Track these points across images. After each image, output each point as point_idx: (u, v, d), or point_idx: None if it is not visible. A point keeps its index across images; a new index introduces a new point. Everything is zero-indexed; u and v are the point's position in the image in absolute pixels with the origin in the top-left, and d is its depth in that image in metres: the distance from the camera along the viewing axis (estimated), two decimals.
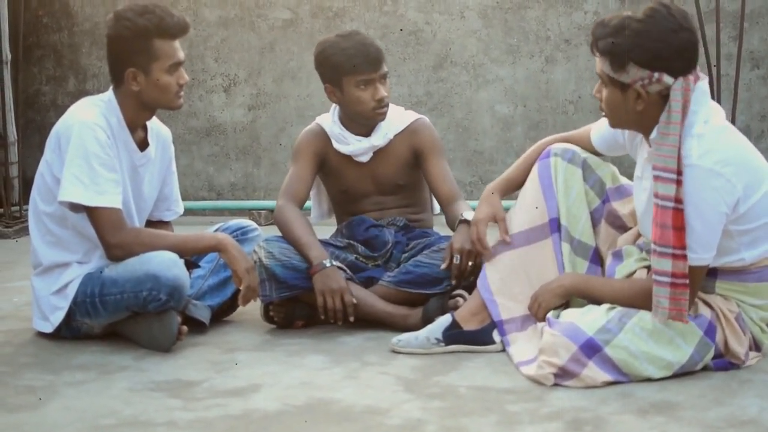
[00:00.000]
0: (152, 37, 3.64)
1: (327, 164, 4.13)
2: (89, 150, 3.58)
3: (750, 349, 3.25)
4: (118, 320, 3.68)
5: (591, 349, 3.08)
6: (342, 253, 3.97)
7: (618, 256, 3.44)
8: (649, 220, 3.14)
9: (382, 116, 4.04)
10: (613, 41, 3.05)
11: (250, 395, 3.10)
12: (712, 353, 3.15)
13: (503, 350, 3.46)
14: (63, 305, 3.68)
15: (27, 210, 5.03)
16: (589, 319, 3.15)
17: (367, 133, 4.07)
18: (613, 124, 3.25)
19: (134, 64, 3.66)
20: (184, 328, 3.67)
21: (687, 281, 3.01)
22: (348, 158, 4.10)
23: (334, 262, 3.82)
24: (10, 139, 6.91)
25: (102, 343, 3.70)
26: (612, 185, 3.57)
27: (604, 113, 3.23)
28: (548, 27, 7.13)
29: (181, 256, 3.62)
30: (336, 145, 4.08)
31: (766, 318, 3.23)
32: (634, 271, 3.33)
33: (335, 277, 3.77)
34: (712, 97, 5.92)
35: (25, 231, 6.45)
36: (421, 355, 3.49)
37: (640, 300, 3.16)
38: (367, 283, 3.92)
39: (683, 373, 3.16)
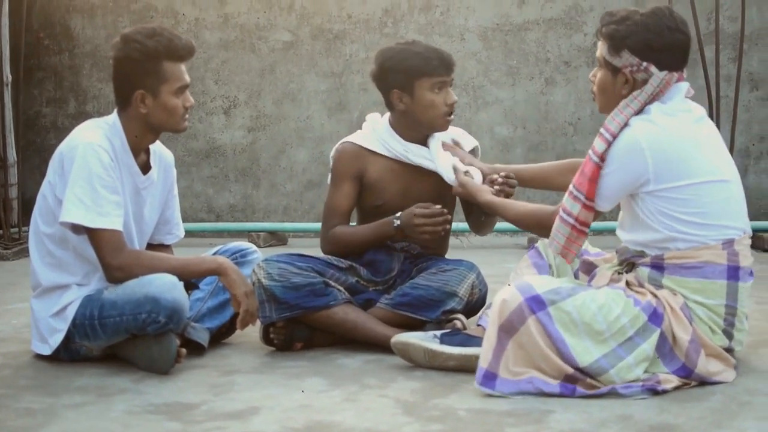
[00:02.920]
0: (162, 60, 3.65)
1: (365, 180, 4.09)
2: (92, 171, 3.58)
3: (722, 358, 3.33)
4: (117, 342, 3.67)
5: (536, 303, 3.22)
6: (342, 274, 3.96)
7: (593, 277, 3.62)
8: (628, 230, 3.45)
9: (448, 124, 4.06)
10: (615, 27, 3.37)
11: (249, 418, 3.09)
12: (655, 338, 3.24)
13: None
14: (62, 327, 3.67)
15: (26, 232, 5.04)
16: (544, 282, 3.33)
17: (419, 143, 4.08)
18: (601, 107, 3.50)
19: (143, 86, 3.67)
20: (183, 350, 3.66)
21: (586, 230, 3.39)
22: (388, 173, 4.06)
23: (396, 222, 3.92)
24: (9, 160, 6.93)
25: (101, 366, 3.69)
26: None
27: (594, 97, 3.51)
28: (548, 49, 7.15)
29: (180, 279, 3.62)
30: (399, 151, 4.06)
31: (714, 319, 3.32)
32: (609, 277, 3.46)
33: (408, 214, 3.88)
34: (711, 119, 6.00)
35: (24, 253, 6.46)
36: (416, 344, 3.54)
37: (538, 224, 3.62)
38: (366, 305, 3.92)
39: (683, 396, 3.17)
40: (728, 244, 3.31)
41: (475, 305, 3.95)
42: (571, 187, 3.39)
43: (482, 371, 3.24)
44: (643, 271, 3.40)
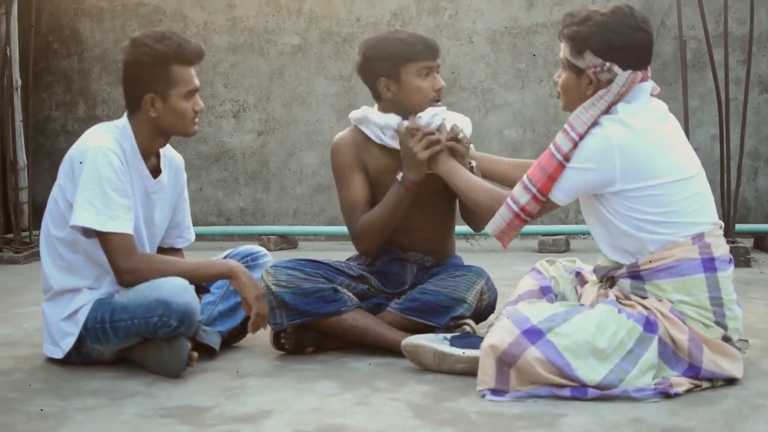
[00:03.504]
0: (171, 63, 3.66)
1: (367, 173, 4.01)
2: (103, 175, 3.59)
3: (726, 355, 3.31)
4: (128, 346, 3.68)
5: (533, 334, 3.20)
6: (352, 282, 3.94)
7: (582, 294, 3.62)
8: (600, 237, 3.45)
9: None
10: (576, 29, 3.37)
11: (260, 421, 3.10)
12: (655, 346, 3.23)
13: None
14: (73, 331, 3.68)
15: (37, 235, 5.04)
16: (537, 310, 3.31)
17: None
18: (565, 106, 3.50)
19: (153, 90, 3.68)
20: (195, 354, 3.66)
21: (528, 220, 3.40)
22: (385, 167, 3.95)
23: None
24: (20, 164, 6.94)
25: (112, 369, 3.70)
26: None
27: (558, 96, 3.52)
28: (556, 51, 7.12)
29: (191, 283, 3.63)
30: (388, 139, 3.97)
31: (704, 314, 3.30)
32: (597, 293, 3.46)
33: (404, 156, 3.81)
34: (720, 122, 6.00)
35: (35, 256, 6.47)
36: (426, 345, 3.54)
37: (487, 203, 3.55)
38: (375, 309, 3.91)
39: (695, 399, 3.17)
40: (698, 237, 3.31)
41: (484, 311, 3.94)
42: (524, 177, 3.40)
43: (488, 392, 3.23)
44: (624, 283, 3.40)
